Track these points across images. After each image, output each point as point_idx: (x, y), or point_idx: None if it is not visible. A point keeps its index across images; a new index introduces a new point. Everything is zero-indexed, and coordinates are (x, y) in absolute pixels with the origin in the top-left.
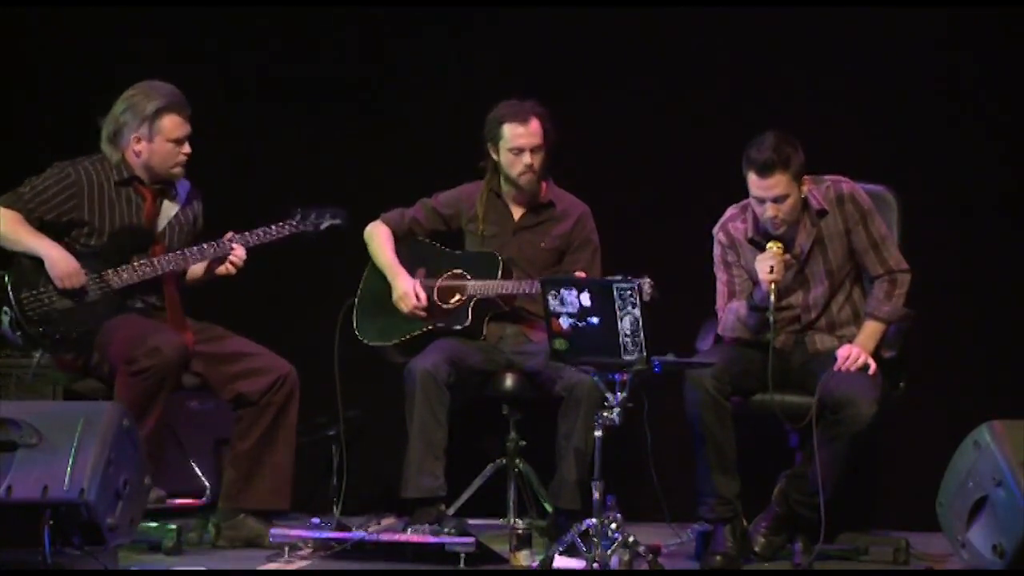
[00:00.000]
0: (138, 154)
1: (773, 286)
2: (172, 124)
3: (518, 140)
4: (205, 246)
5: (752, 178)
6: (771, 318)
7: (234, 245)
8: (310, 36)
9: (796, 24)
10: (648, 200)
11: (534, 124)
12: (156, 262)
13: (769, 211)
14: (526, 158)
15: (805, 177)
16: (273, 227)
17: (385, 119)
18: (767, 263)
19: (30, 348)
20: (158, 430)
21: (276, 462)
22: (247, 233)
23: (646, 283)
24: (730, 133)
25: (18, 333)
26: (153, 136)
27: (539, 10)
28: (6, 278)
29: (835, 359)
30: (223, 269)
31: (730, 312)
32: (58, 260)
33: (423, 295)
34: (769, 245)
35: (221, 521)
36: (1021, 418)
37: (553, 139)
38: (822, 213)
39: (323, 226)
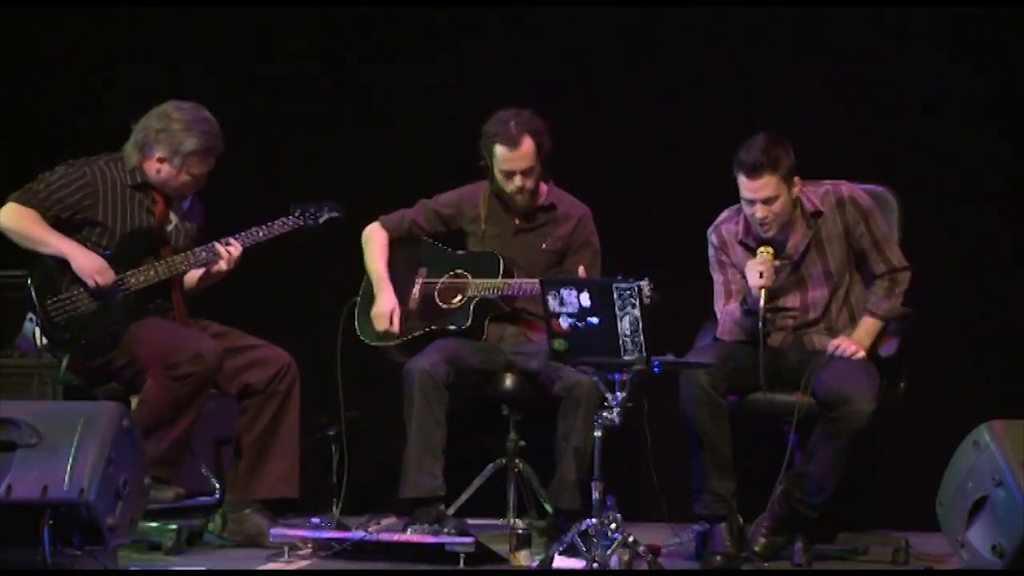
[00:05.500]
0: (158, 172)
1: (763, 292)
2: (200, 164)
3: (508, 164)
4: (213, 244)
5: (742, 180)
6: (761, 325)
7: (231, 241)
8: (310, 35)
9: (796, 25)
10: (648, 201)
11: (524, 147)
12: (169, 262)
13: (759, 212)
14: (517, 180)
15: (798, 179)
16: (275, 224)
17: (386, 119)
18: (756, 269)
19: (56, 354)
20: (186, 436)
21: (283, 450)
22: (245, 233)
23: (646, 285)
24: (730, 134)
25: (43, 341)
26: (178, 167)
27: (539, 10)
28: (30, 282)
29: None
30: (216, 268)
31: (727, 315)
32: (86, 259)
33: (398, 322)
34: (760, 250)
35: (228, 512)
36: (1021, 418)
37: (548, 149)
38: (817, 214)
39: (322, 219)
